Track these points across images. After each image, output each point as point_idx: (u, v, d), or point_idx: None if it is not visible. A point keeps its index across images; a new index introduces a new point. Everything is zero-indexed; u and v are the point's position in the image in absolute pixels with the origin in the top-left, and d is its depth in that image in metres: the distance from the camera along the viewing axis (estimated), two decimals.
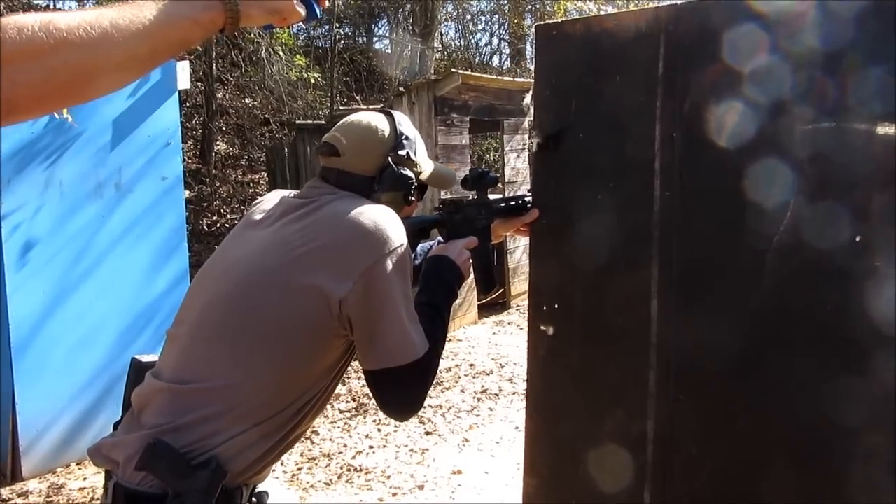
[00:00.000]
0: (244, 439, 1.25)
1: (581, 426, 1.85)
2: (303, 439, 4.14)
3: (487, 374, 5.30)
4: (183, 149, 4.38)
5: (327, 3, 1.05)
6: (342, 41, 12.66)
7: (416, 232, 1.59)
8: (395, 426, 4.28)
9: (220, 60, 9.13)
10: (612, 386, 1.78)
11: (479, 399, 4.83)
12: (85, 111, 3.83)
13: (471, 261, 1.62)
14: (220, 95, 10.10)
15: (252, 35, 8.06)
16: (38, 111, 0.77)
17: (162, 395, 1.28)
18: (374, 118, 1.50)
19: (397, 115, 1.53)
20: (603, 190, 1.76)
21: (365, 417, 4.46)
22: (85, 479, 3.70)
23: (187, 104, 9.40)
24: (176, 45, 0.82)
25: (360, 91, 11.14)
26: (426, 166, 1.57)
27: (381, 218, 1.33)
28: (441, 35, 13.61)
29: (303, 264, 1.29)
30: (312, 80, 8.24)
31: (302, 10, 0.99)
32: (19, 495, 3.54)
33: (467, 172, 1.77)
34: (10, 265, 3.58)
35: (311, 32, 12.32)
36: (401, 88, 6.68)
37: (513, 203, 1.84)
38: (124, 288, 4.05)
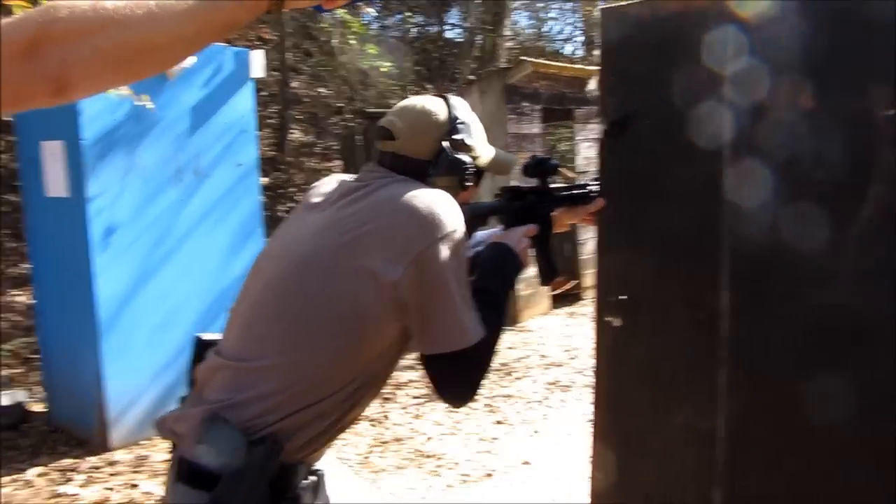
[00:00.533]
0: (300, 418, 1.27)
1: (649, 421, 1.81)
2: (375, 424, 4.21)
3: (558, 366, 5.26)
4: (259, 136, 4.49)
5: None
6: (414, 30, 12.70)
7: (474, 218, 1.58)
8: (466, 414, 4.30)
9: (294, 50, 9.29)
10: (680, 381, 1.74)
11: (550, 390, 4.79)
12: (163, 99, 3.96)
13: (530, 249, 1.60)
14: (294, 84, 10.28)
15: (325, 25, 8.17)
16: (90, 89, 0.80)
17: (222, 372, 1.31)
18: (429, 102, 1.49)
19: (454, 99, 1.51)
20: (671, 177, 1.72)
21: (436, 404, 4.49)
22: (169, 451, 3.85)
23: (263, 93, 9.59)
24: (221, 26, 0.82)
25: (432, 80, 11.17)
26: (484, 151, 1.54)
27: (436, 201, 1.32)
28: (512, 23, 13.49)
29: (356, 247, 1.30)
30: (384, 69, 8.31)
31: None
32: (108, 464, 3.71)
33: (528, 159, 1.76)
34: (96, 247, 3.74)
35: (384, 22, 12.41)
36: (471, 77, 6.66)
37: (576, 191, 1.82)
38: (204, 270, 4.18)
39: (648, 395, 1.81)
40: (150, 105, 3.72)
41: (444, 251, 1.29)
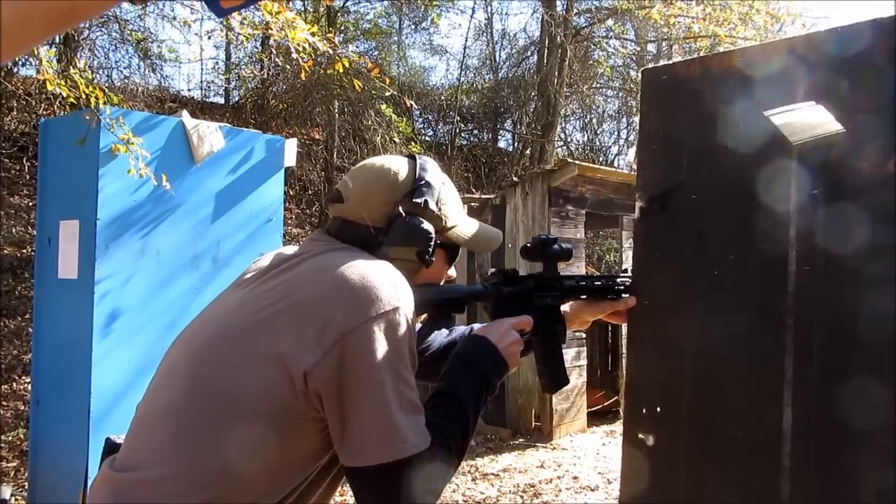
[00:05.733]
0: None
1: None
2: None
3: (592, 490, 4.77)
4: (294, 231, 4.31)
5: None
6: (464, 136, 12.82)
7: (444, 303, 1.27)
8: None
9: (340, 148, 9.35)
10: None
11: None
12: (187, 184, 3.84)
13: (521, 347, 1.27)
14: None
15: (370, 122, 8.22)
16: None
17: (105, 487, 1.08)
18: (390, 160, 1.25)
19: (423, 159, 1.26)
20: (722, 264, 1.42)
21: None
22: None
23: (309, 192, 9.61)
24: (57, 13, 0.60)
25: (480, 186, 11.11)
26: (457, 221, 1.27)
27: (375, 273, 1.05)
28: (564, 131, 13.55)
29: (267, 327, 1.04)
30: None
31: None
32: None
33: (529, 241, 1.44)
34: (98, 332, 3.52)
35: (436, 128, 12.57)
36: (515, 178, 6.49)
37: (598, 283, 1.51)
38: None
39: None
40: (168, 186, 3.58)
41: (378, 335, 1.01)
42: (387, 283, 1.04)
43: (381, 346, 1.01)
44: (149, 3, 0.67)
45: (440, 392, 1.14)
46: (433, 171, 1.23)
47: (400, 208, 1.17)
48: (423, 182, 1.20)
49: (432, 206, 1.19)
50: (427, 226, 1.18)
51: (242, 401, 1.01)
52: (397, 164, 1.22)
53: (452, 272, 1.32)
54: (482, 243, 1.33)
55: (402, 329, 1.03)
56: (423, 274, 1.20)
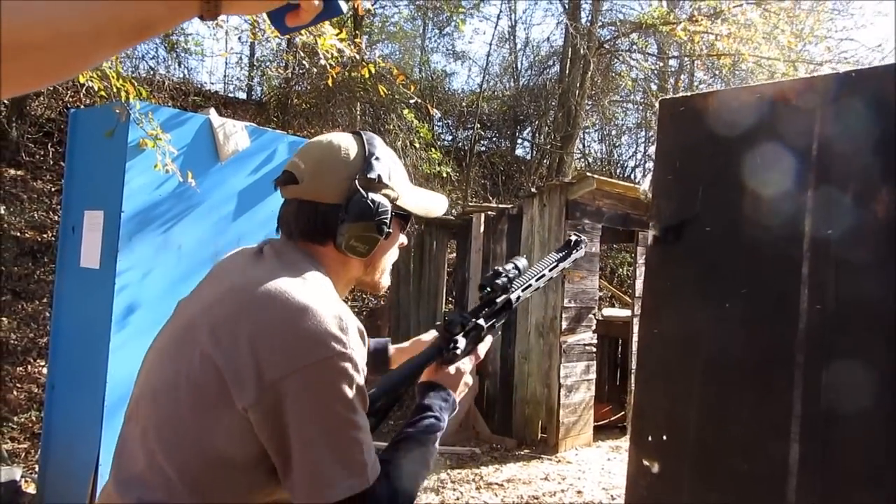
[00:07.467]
0: None
1: None
2: None
3: None
4: None
5: None
6: (483, 143, 12.83)
7: (413, 378, 1.29)
8: None
9: None
10: None
11: None
12: (211, 181, 3.89)
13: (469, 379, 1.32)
14: None
15: (391, 127, 8.27)
16: None
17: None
18: (337, 137, 1.26)
19: (368, 134, 1.27)
20: (733, 297, 1.44)
21: None
22: None
23: None
24: (130, 27, 0.62)
25: (497, 194, 11.14)
26: (405, 192, 1.28)
27: (318, 309, 1.04)
28: (583, 142, 13.54)
29: (209, 340, 1.06)
30: (444, 175, 8.27)
31: (317, 1, 0.76)
32: None
33: (485, 276, 1.43)
34: (116, 323, 3.58)
35: (455, 134, 12.60)
36: (533, 189, 6.51)
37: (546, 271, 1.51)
38: None
39: None
40: (193, 183, 3.64)
41: (319, 381, 1.02)
42: (330, 321, 1.04)
43: (323, 392, 1.01)
44: (218, 19, 0.70)
45: (410, 438, 1.18)
46: (380, 146, 1.26)
47: (357, 184, 1.18)
48: (374, 157, 1.22)
49: (385, 179, 1.21)
50: (383, 200, 1.20)
51: (194, 407, 1.05)
52: (346, 141, 1.24)
53: (403, 238, 1.33)
54: (427, 211, 1.35)
55: (346, 370, 1.03)
56: (382, 246, 1.23)
